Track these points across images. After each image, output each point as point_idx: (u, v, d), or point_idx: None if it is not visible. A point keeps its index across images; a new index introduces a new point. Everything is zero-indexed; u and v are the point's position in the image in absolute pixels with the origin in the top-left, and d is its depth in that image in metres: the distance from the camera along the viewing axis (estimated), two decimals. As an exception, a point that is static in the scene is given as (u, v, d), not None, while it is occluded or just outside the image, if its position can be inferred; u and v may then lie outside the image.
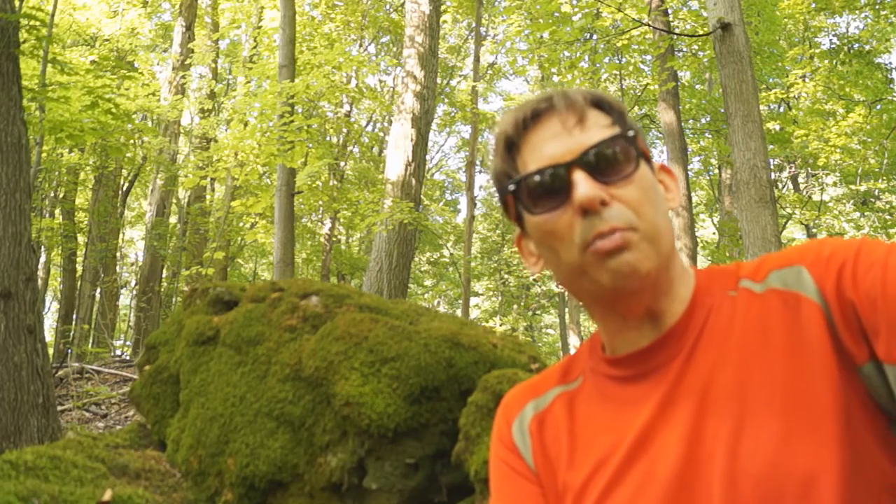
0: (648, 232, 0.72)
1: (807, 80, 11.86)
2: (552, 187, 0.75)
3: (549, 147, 0.76)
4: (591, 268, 0.73)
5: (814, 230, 13.23)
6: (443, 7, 12.26)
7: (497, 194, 0.84)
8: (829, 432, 0.64)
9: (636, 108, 14.17)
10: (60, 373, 6.60)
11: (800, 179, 14.60)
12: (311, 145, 10.51)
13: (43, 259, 13.75)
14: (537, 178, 0.76)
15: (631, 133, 0.77)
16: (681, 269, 0.79)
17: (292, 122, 7.09)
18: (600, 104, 0.79)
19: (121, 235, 14.42)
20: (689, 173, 12.47)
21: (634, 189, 0.74)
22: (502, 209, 0.85)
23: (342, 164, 15.30)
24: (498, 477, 0.87)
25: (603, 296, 0.76)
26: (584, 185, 0.72)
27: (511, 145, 0.80)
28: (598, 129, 0.77)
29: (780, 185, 14.82)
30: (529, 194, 0.77)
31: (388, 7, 14.39)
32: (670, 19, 10.02)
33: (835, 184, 14.56)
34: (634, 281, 0.72)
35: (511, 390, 0.93)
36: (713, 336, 0.74)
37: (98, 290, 12.11)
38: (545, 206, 0.76)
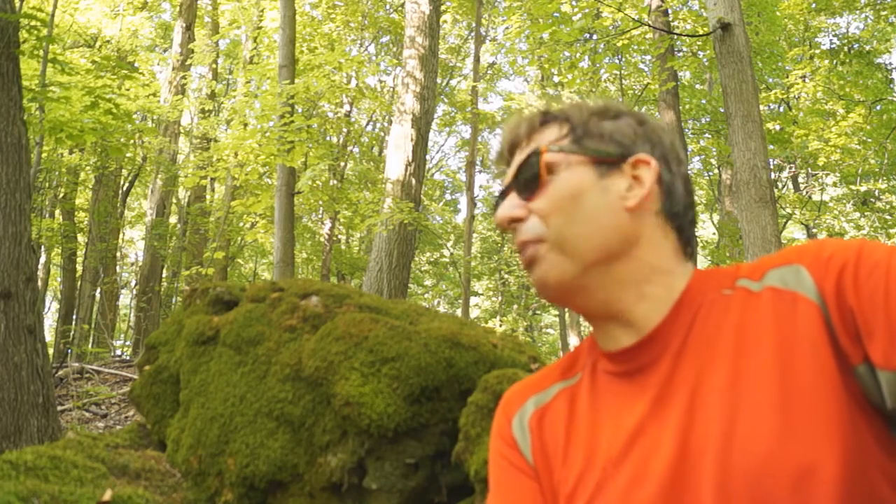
0: (556, 241, 0.76)
1: (807, 80, 11.86)
2: None
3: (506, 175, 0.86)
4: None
5: (814, 230, 13.22)
6: (443, 7, 12.25)
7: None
8: (829, 428, 0.64)
9: (636, 108, 14.13)
10: (60, 373, 6.60)
11: (800, 179, 14.58)
12: (311, 145, 10.50)
13: (43, 259, 13.75)
14: (496, 203, 0.86)
15: (550, 146, 0.80)
16: (646, 270, 0.78)
17: (292, 122, 7.08)
18: (554, 118, 0.83)
19: (121, 235, 14.41)
20: (689, 173, 12.44)
21: (544, 200, 0.78)
22: None
23: (342, 164, 15.30)
24: (496, 472, 0.88)
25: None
26: (500, 208, 0.81)
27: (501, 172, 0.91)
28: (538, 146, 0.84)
29: (780, 185, 14.80)
30: None
31: (388, 7, 14.39)
32: (670, 19, 10.02)
33: (835, 184, 14.54)
34: (549, 291, 0.78)
35: (512, 386, 0.94)
36: (704, 333, 0.74)
37: (98, 290, 12.10)
38: None
